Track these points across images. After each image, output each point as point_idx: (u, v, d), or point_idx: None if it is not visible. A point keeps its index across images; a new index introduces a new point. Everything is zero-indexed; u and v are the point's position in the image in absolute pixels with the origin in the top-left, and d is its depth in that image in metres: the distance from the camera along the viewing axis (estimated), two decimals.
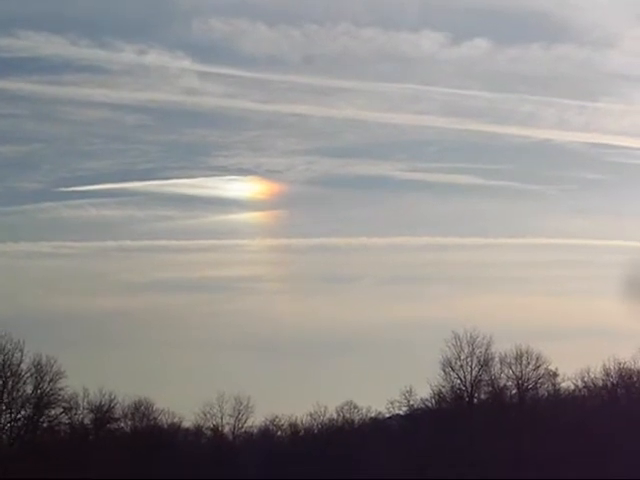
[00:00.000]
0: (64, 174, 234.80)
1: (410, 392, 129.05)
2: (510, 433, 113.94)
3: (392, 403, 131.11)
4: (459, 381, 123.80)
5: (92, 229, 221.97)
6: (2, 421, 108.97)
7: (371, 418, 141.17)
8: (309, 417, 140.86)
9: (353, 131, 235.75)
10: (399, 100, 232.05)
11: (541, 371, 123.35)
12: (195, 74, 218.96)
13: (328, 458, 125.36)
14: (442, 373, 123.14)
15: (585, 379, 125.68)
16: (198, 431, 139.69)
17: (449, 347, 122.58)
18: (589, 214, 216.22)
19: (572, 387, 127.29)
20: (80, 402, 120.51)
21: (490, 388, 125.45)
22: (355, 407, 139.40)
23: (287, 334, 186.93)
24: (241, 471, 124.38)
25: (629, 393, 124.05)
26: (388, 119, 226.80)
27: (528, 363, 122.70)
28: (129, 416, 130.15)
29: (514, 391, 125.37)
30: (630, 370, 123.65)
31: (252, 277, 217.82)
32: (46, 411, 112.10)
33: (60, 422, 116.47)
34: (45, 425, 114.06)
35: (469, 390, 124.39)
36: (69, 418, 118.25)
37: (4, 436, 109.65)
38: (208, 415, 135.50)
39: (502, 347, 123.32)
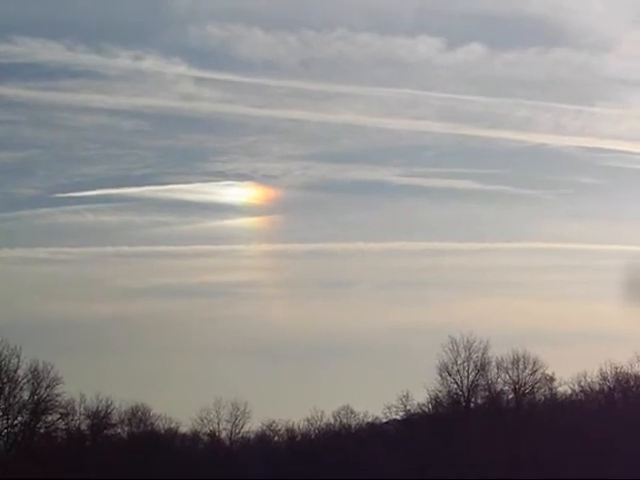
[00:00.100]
0: (61, 180, 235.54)
1: (407, 397, 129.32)
2: (507, 438, 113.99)
3: (389, 408, 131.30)
4: (456, 386, 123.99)
5: (89, 235, 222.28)
6: None
7: (368, 423, 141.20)
8: (306, 422, 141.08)
9: (350, 136, 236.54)
10: (396, 105, 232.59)
11: (538, 375, 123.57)
12: (192, 79, 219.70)
13: (325, 463, 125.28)
14: (439, 378, 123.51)
15: (582, 383, 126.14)
16: (195, 437, 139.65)
17: (446, 352, 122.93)
18: (585, 218, 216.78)
19: (569, 391, 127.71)
20: (77, 408, 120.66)
21: (487, 393, 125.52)
22: (352, 412, 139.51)
23: (284, 339, 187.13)
24: (238, 476, 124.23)
25: (626, 397, 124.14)
26: (385, 124, 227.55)
27: (525, 368, 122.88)
28: (126, 422, 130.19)
29: (511, 396, 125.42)
30: (627, 374, 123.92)
31: (249, 282, 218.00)
32: (43, 417, 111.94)
33: (57, 428, 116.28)
34: (42, 431, 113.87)
35: (466, 395, 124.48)
36: (66, 424, 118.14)
37: (1, 442, 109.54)
38: (205, 420, 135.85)
39: (499, 351, 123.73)
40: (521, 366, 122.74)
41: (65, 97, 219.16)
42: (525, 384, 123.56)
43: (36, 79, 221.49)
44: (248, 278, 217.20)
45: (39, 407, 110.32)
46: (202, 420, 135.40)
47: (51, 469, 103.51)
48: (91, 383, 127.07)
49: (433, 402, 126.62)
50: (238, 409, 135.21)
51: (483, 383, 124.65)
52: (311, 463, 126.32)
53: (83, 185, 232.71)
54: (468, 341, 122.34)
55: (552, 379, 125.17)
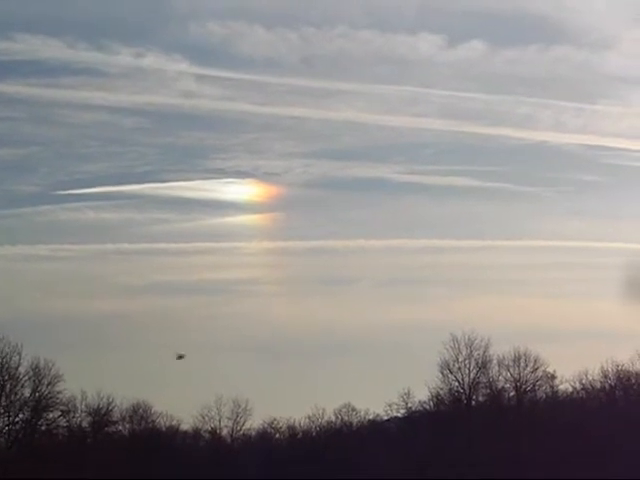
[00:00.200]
0: (61, 177, 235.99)
1: (408, 394, 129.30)
2: (508, 435, 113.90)
3: (390, 405, 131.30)
4: (457, 383, 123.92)
5: (90, 232, 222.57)
6: (0, 424, 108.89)
7: (369, 420, 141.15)
8: (307, 419, 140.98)
9: (351, 133, 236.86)
10: (396, 102, 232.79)
11: (539, 373, 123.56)
12: (192, 77, 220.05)
13: (326, 461, 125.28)
14: (440, 375, 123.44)
15: (583, 381, 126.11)
16: (196, 434, 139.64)
17: (447, 349, 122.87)
18: (586, 216, 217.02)
19: (570, 389, 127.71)
20: (78, 405, 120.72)
21: (488, 390, 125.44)
22: (353, 409, 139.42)
23: (285, 336, 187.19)
24: (239, 474, 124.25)
25: (627, 395, 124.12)
26: (385, 121, 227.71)
27: (526, 365, 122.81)
28: (127, 419, 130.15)
29: (512, 393, 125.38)
30: (628, 372, 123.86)
31: (250, 280, 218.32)
32: (44, 414, 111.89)
33: (58, 425, 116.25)
34: (43, 428, 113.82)
35: (467, 392, 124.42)
36: (67, 421, 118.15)
37: (2, 439, 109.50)
38: (206, 418, 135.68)
39: (500, 349, 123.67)
40: (522, 364, 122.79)
41: (66, 94, 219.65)
42: (526, 382, 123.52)
43: (37, 76, 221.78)
44: (249, 275, 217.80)
45: (40, 404, 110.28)
46: (203, 417, 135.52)
47: (52, 466, 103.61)
48: (92, 380, 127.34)
49: (434, 400, 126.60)
50: (239, 406, 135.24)
51: (484, 381, 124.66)
52: (312, 461, 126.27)
53: (84, 182, 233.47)
54: (469, 339, 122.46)
55: (553, 377, 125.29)
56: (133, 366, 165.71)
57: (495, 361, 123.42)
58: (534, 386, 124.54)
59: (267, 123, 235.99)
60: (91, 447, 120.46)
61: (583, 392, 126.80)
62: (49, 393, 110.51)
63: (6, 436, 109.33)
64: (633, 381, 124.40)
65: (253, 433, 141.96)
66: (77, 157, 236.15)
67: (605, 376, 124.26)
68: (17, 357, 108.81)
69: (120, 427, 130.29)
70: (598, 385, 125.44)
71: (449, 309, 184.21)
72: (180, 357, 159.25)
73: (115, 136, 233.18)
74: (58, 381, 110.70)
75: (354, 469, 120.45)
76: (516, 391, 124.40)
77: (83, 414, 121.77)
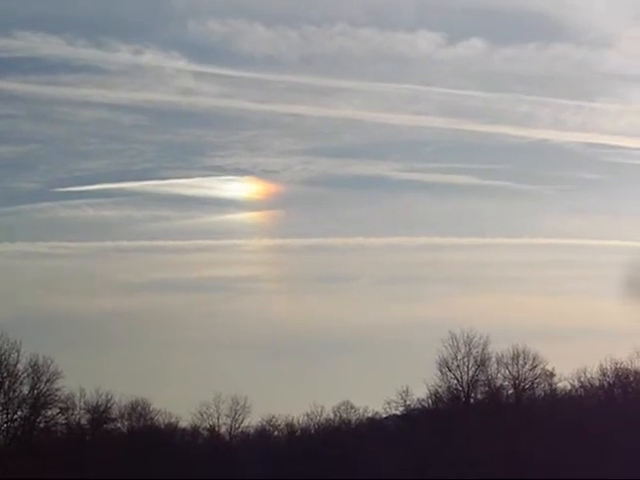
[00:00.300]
0: (61, 174, 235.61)
1: (407, 392, 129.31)
2: (507, 433, 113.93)
3: (389, 403, 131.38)
4: (456, 381, 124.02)
5: (89, 229, 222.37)
6: None
7: (368, 418, 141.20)
8: (306, 417, 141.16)
9: (350, 131, 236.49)
10: (396, 100, 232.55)
11: (538, 371, 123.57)
12: (191, 74, 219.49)
13: (325, 458, 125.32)
14: (439, 373, 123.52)
15: (582, 379, 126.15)
16: (195, 431, 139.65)
17: (446, 347, 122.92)
18: (586, 214, 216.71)
19: (569, 387, 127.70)
20: (77, 402, 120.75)
21: (487, 388, 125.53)
22: (352, 407, 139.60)
23: (284, 334, 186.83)
24: (238, 471, 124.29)
25: (625, 393, 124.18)
26: (385, 119, 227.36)
27: (525, 363, 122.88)
28: (126, 416, 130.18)
29: (511, 391, 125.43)
30: (627, 370, 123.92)
31: (249, 277, 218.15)
32: (43, 411, 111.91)
33: (57, 422, 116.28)
34: (42, 425, 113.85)
35: (466, 390, 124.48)
36: (66, 418, 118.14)
37: (1, 436, 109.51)
38: (205, 415, 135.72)
39: (499, 347, 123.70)
40: (521, 362, 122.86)
41: (65, 91, 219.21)
42: (525, 380, 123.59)
43: (36, 73, 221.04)
44: (248, 273, 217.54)
45: (39, 401, 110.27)
46: (202, 415, 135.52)
47: (51, 463, 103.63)
48: (91, 377, 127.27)
49: (433, 397, 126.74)
50: (238, 404, 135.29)
51: (483, 378, 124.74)
52: (311, 458, 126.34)
53: (83, 180, 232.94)
54: (468, 336, 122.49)
55: (552, 375, 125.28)
56: (132, 363, 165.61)
57: (494, 359, 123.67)
58: (533, 384, 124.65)
59: (266, 120, 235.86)
60: (90, 444, 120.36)
61: (582, 390, 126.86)
62: (48, 390, 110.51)
63: (5, 433, 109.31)
64: (632, 379, 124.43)
65: (251, 431, 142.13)
66: (76, 154, 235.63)
67: (604, 374, 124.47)
68: (16, 354, 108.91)
69: (119, 424, 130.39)
70: (597, 383, 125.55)
71: (448, 307, 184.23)
72: None
73: (114, 133, 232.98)
74: (57, 378, 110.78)
75: (352, 467, 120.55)
76: (515, 389, 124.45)
77: (82, 411, 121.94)
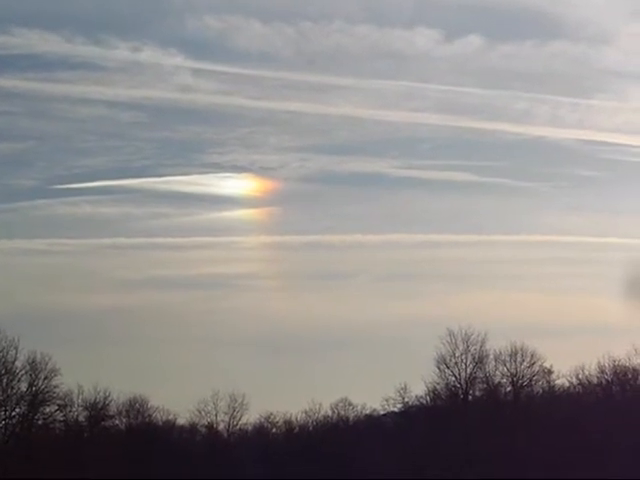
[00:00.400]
0: (59, 171, 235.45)
1: (405, 389, 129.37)
2: (505, 430, 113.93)
3: (387, 400, 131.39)
4: (454, 378, 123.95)
5: (87, 226, 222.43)
6: None
7: (366, 415, 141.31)
8: (304, 414, 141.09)
9: (347, 128, 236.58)
10: (393, 97, 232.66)
11: (536, 368, 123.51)
12: (189, 71, 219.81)
13: (323, 455, 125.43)
14: (437, 370, 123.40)
15: (580, 376, 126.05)
16: (193, 428, 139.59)
17: (444, 344, 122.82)
18: (583, 211, 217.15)
19: (567, 384, 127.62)
20: (75, 399, 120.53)
21: (485, 385, 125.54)
22: (350, 404, 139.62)
23: (282, 331, 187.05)
24: (236, 469, 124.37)
25: (623, 390, 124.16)
26: (382, 116, 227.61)
27: (523, 360, 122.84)
28: (124, 413, 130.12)
29: (509, 388, 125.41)
30: (625, 367, 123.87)
31: (247, 274, 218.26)
32: (41, 408, 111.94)
33: (55, 419, 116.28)
34: (40, 422, 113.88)
35: (464, 387, 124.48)
36: (64, 415, 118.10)
37: None
38: (203, 412, 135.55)
39: (497, 344, 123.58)
40: (519, 359, 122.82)
41: (63, 88, 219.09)
42: (523, 377, 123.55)
43: (34, 70, 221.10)
44: (246, 270, 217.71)
45: (37, 398, 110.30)
46: (200, 412, 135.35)
47: (49, 460, 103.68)
48: (89, 374, 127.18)
49: (431, 394, 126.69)
50: (236, 401, 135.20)
51: (481, 376, 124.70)
52: (309, 455, 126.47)
53: (81, 176, 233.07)
54: (466, 333, 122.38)
55: (550, 372, 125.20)
56: (130, 360, 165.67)
57: (492, 356, 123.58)
58: (531, 381, 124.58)
59: (263, 117, 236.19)
60: (88, 441, 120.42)
61: (580, 387, 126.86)
62: (46, 387, 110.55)
63: (2, 430, 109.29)
64: (630, 376, 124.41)
65: (250, 428, 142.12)
66: (74, 151, 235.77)
67: (602, 371, 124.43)
68: (14, 351, 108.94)
69: (117, 421, 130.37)
70: (595, 380, 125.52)
71: (446, 304, 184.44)
72: None
73: (113, 130, 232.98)
74: (55, 375, 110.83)
75: (350, 464, 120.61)
76: (513, 386, 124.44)
77: (80, 408, 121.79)
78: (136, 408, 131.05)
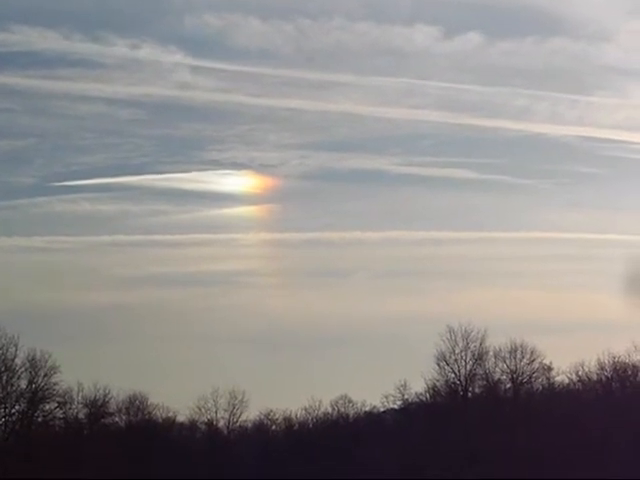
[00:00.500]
0: (58, 169, 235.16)
1: (404, 386, 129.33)
2: (504, 427, 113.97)
3: (387, 397, 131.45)
4: (453, 375, 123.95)
5: (86, 224, 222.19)
6: None
7: (366, 412, 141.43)
8: (304, 411, 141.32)
9: (347, 125, 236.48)
10: (393, 94, 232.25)
11: (535, 365, 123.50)
12: (188, 68, 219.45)
13: (323, 452, 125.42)
14: (436, 367, 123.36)
15: (579, 373, 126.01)
16: (193, 425, 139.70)
17: (444, 341, 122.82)
18: (583, 208, 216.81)
19: (566, 381, 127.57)
20: (74, 397, 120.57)
21: (484, 382, 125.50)
22: (350, 401, 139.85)
23: (282, 328, 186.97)
24: (236, 466, 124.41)
25: (623, 387, 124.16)
26: (382, 113, 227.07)
27: (522, 357, 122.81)
28: (123, 411, 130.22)
29: (508, 385, 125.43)
30: (625, 364, 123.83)
31: (247, 271, 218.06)
32: (40, 406, 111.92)
33: (54, 417, 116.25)
34: (39, 420, 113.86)
35: (463, 384, 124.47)
36: (63, 413, 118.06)
37: None
38: (203, 409, 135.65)
39: (496, 341, 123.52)
40: (519, 355, 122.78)
41: (62, 86, 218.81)
42: (523, 373, 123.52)
43: (33, 68, 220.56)
44: (246, 267, 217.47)
45: (37, 396, 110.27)
46: (200, 409, 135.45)
47: (48, 458, 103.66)
48: (89, 372, 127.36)
49: (431, 391, 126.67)
50: (236, 398, 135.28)
51: (481, 372, 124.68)
52: (309, 452, 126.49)
53: (80, 174, 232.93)
54: (466, 330, 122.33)
55: (550, 368, 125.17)
56: (129, 357, 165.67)
57: (491, 353, 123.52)
58: (530, 378, 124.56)
59: (263, 115, 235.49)
60: (87, 439, 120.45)
61: (579, 384, 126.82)
62: (45, 385, 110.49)
63: (2, 428, 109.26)
64: (629, 373, 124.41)
65: (249, 425, 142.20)
66: (73, 148, 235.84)
67: (601, 368, 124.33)
68: (13, 349, 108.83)
69: (116, 419, 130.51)
70: (594, 377, 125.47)
71: (446, 301, 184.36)
72: None
73: (111, 128, 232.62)
74: (54, 373, 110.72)
75: (350, 461, 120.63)
76: (512, 383, 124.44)
77: (79, 405, 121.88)
78: (136, 405, 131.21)
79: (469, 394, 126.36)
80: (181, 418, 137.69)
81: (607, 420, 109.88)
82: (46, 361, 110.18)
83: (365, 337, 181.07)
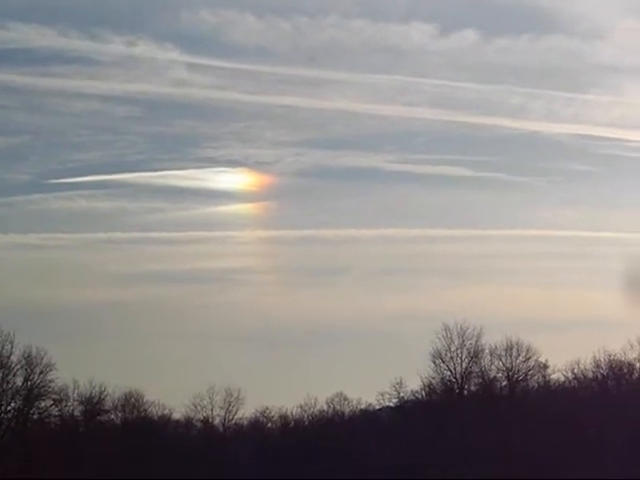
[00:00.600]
0: (53, 166, 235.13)
1: (400, 384, 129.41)
2: (500, 425, 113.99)
3: (382, 395, 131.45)
4: (449, 373, 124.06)
5: (82, 221, 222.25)
6: None
7: (361, 410, 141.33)
8: (299, 409, 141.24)
9: (342, 122, 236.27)
10: (388, 92, 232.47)
11: (531, 363, 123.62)
12: (184, 65, 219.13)
13: (318, 450, 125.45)
14: (432, 365, 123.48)
15: (575, 371, 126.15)
16: (188, 423, 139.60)
17: (439, 339, 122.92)
18: (578, 206, 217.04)
19: (562, 379, 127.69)
20: (70, 394, 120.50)
21: (480, 380, 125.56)
22: (345, 399, 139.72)
23: (278, 326, 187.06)
24: (231, 463, 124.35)
25: (619, 385, 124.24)
26: (377, 110, 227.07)
27: (518, 355, 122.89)
28: (119, 408, 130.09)
29: (504, 383, 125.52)
30: (620, 362, 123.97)
31: (243, 269, 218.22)
32: (36, 403, 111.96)
33: (50, 414, 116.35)
34: (35, 417, 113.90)
35: (459, 382, 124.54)
36: (59, 410, 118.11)
37: None
38: (198, 407, 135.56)
39: (492, 339, 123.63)
40: (514, 353, 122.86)
41: (58, 83, 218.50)
42: (518, 371, 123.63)
43: (29, 65, 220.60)
44: (241, 264, 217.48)
45: (32, 393, 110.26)
46: (195, 406, 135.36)
47: (44, 455, 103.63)
48: (84, 369, 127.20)
49: (426, 389, 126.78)
50: (231, 395, 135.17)
51: (476, 370, 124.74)
52: (304, 450, 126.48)
53: (76, 171, 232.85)
54: (461, 328, 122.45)
55: (545, 366, 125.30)
56: (125, 355, 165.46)
57: (487, 350, 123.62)
58: (526, 375, 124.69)
59: (258, 112, 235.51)
60: (83, 436, 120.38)
61: (575, 382, 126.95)
62: (41, 382, 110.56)
63: None
64: (625, 371, 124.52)
65: (245, 422, 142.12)
66: (69, 146, 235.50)
67: (597, 366, 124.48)
68: (9, 346, 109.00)
69: (112, 416, 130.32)
70: (590, 375, 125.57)
71: (441, 298, 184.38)
72: None
73: (107, 125, 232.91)
74: (50, 370, 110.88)
75: (346, 458, 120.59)
76: (508, 380, 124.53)
77: (75, 403, 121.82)
78: (131, 402, 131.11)
79: (465, 392, 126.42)
80: (177, 415, 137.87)
81: (603, 418, 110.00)
82: (42, 358, 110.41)
83: (361, 334, 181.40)
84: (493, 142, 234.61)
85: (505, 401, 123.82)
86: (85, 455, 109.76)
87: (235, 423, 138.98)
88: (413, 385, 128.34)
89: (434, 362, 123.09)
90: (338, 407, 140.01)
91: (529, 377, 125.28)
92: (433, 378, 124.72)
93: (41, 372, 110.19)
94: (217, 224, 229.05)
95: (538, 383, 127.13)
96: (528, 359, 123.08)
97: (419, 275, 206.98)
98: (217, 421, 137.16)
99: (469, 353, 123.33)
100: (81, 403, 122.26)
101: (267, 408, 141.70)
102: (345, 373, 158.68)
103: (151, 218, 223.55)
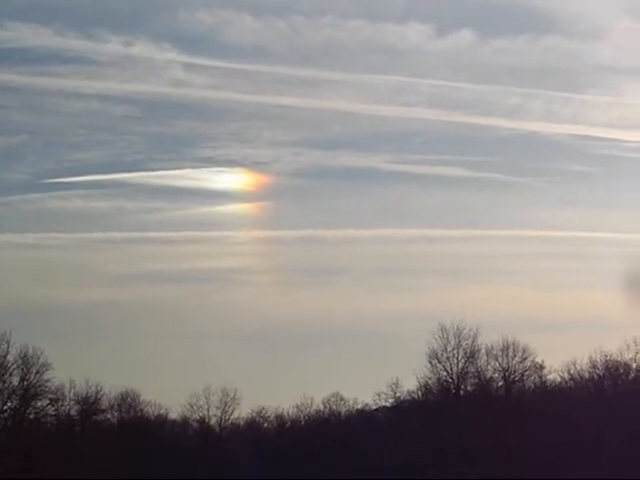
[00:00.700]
0: (50, 165, 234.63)
1: (397, 384, 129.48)
2: (496, 425, 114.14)
3: (379, 395, 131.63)
4: (445, 373, 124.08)
5: (79, 220, 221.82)
6: None
7: (358, 410, 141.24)
8: (296, 409, 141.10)
9: (339, 122, 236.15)
10: (385, 92, 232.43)
11: (528, 363, 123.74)
12: (181, 65, 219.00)
13: (315, 450, 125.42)
14: (429, 365, 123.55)
15: (571, 371, 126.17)
16: (185, 423, 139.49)
17: (436, 339, 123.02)
18: (576, 206, 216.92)
19: (558, 379, 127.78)
20: (67, 394, 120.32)
21: (476, 380, 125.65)
22: (342, 399, 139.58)
23: (275, 326, 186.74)
24: (228, 463, 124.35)
25: (615, 385, 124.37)
26: (374, 111, 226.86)
27: (515, 355, 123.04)
28: (116, 408, 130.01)
29: (500, 383, 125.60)
30: (616, 362, 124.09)
31: (240, 269, 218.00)
32: (32, 403, 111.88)
33: (46, 414, 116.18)
34: (31, 417, 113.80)
35: (455, 382, 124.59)
36: (55, 410, 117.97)
37: None
38: (195, 407, 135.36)
39: (489, 339, 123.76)
40: (511, 353, 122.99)
41: (55, 82, 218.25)
42: (515, 372, 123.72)
43: (26, 64, 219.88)
44: (239, 264, 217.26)
45: (29, 393, 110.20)
46: (192, 406, 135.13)
47: (40, 455, 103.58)
48: (81, 369, 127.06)
49: (423, 389, 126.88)
50: (228, 395, 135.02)
51: (473, 370, 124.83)
52: (301, 450, 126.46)
53: (73, 171, 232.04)
54: (458, 328, 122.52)
55: (542, 367, 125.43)
56: (122, 355, 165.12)
57: (483, 351, 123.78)
58: (522, 376, 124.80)
59: (256, 112, 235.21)
60: (79, 435, 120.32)
61: (571, 382, 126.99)
62: (37, 381, 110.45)
63: None
64: (621, 371, 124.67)
65: (241, 422, 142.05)
66: (66, 145, 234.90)
67: (593, 366, 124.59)
68: (5, 345, 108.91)
69: (109, 415, 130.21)
70: (586, 375, 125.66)
71: (439, 299, 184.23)
72: None
73: (104, 124, 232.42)
74: (47, 369, 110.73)
75: (342, 458, 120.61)
76: (504, 381, 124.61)
77: (71, 402, 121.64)
78: (128, 402, 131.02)
79: (461, 392, 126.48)
80: (173, 415, 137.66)
81: (599, 418, 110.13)
82: (38, 358, 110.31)
83: (357, 335, 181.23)
84: (491, 142, 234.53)
85: (501, 401, 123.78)
86: (83, 455, 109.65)
87: (231, 423, 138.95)
88: (409, 385, 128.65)
89: (430, 362, 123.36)
90: (334, 407, 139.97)
91: (525, 377, 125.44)
92: (429, 378, 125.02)
93: (37, 372, 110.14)
94: (215, 224, 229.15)
95: (534, 383, 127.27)
96: (524, 359, 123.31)
97: (417, 275, 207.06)
98: (213, 421, 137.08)
99: (465, 353, 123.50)
100: (77, 403, 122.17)
101: (263, 408, 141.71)
102: (342, 373, 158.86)
103: (149, 218, 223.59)
